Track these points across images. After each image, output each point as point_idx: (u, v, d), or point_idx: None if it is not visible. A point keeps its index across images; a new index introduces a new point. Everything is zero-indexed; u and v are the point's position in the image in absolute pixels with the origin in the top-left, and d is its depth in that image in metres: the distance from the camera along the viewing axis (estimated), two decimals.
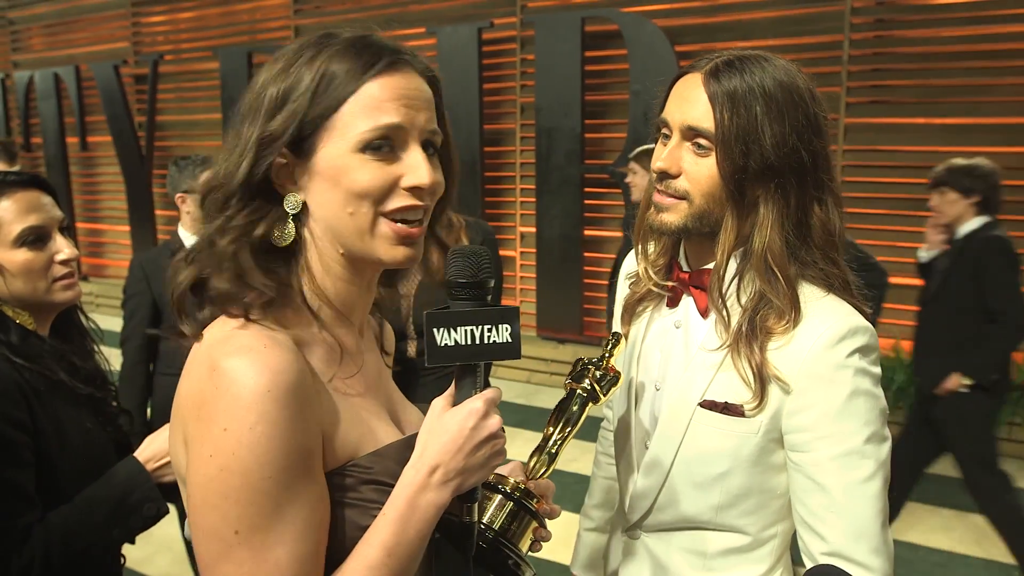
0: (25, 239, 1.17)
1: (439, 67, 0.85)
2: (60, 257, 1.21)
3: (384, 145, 0.75)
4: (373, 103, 0.74)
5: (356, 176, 0.74)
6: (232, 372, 0.69)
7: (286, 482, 0.70)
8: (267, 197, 0.77)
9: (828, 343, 0.90)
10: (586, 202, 4.99)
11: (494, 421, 0.75)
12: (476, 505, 0.78)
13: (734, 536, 1.00)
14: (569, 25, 4.79)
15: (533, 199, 5.16)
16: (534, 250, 5.21)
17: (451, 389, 0.77)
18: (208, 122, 6.67)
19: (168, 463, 1.18)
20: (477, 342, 0.73)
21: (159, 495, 1.19)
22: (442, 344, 0.73)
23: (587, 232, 5.05)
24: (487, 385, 0.78)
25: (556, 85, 4.88)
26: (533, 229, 5.19)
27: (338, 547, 0.75)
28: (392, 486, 0.75)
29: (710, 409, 0.96)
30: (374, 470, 0.77)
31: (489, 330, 0.74)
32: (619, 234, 4.83)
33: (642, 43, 4.59)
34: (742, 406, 0.94)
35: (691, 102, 0.94)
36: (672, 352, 1.04)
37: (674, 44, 4.52)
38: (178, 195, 2.32)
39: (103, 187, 7.79)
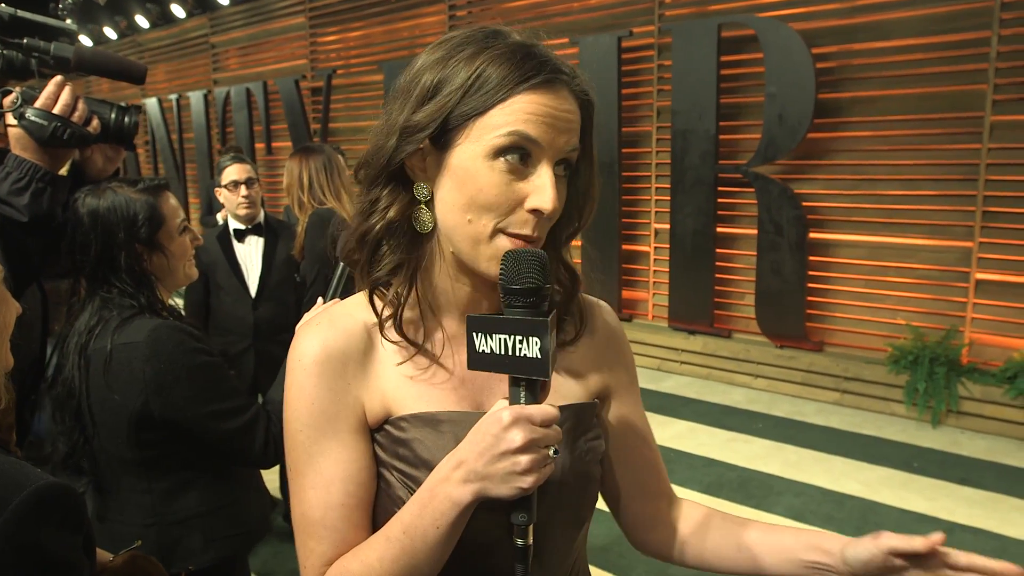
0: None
1: None
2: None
3: (518, 154, 0.72)
4: (516, 116, 0.72)
5: (481, 184, 0.72)
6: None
7: (313, 436, 0.78)
8: (401, 181, 0.78)
9: None
10: (719, 200, 5.20)
11: (515, 436, 0.68)
12: (530, 528, 0.72)
13: None
14: (706, 31, 5.00)
15: (667, 197, 5.43)
16: (667, 246, 5.49)
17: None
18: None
19: None
20: (509, 353, 0.70)
21: None
22: (480, 350, 0.71)
23: (719, 229, 5.26)
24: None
25: (692, 89, 5.12)
26: (667, 226, 5.47)
27: (382, 513, 0.79)
28: (428, 461, 0.76)
29: None
30: (408, 439, 0.78)
31: (520, 342, 0.69)
32: (752, 231, 5.01)
33: (779, 46, 4.72)
34: None
35: None
36: None
37: (811, 47, 4.63)
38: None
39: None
